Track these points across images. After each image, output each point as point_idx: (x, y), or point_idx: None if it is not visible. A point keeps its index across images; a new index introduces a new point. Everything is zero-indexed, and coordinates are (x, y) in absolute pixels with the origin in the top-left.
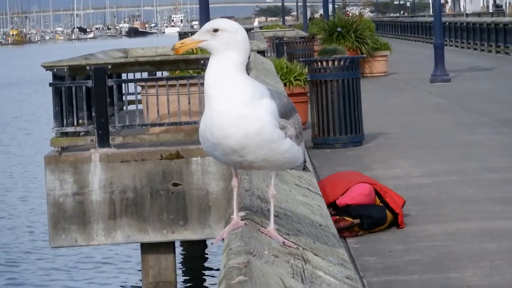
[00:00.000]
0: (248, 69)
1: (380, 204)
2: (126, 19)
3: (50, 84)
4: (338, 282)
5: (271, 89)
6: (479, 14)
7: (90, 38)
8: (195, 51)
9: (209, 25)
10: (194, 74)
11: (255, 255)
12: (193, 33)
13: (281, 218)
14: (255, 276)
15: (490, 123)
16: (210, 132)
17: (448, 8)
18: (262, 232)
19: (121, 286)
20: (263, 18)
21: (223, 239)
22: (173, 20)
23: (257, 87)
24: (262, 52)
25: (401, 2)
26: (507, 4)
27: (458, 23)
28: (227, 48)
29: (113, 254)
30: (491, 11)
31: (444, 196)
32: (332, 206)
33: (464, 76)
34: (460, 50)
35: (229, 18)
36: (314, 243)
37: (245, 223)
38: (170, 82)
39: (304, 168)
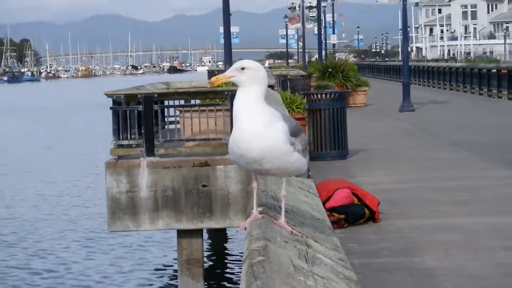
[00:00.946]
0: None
1: (359, 204)
2: (167, 60)
3: (111, 108)
4: (333, 263)
5: (284, 114)
6: (436, 60)
7: (140, 73)
8: (221, 85)
9: (238, 64)
10: (220, 102)
11: (270, 241)
12: (219, 71)
13: (289, 213)
14: (271, 257)
15: (446, 143)
16: (237, 146)
17: (413, 55)
18: (275, 223)
19: (162, 264)
20: (271, 60)
21: (245, 228)
22: (203, 61)
23: (273, 113)
24: (271, 86)
25: (377, 50)
26: (458, 53)
27: (421, 67)
28: (252, 83)
29: (156, 238)
30: (445, 58)
31: (410, 198)
32: (324, 206)
33: (425, 107)
34: (422, 87)
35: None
36: (314, 232)
37: (262, 216)
38: (201, 108)
39: (308, 176)
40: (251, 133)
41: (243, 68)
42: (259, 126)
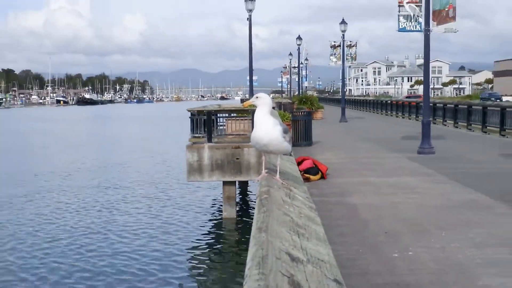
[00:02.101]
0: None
1: (316, 166)
2: (220, 93)
3: (189, 117)
4: (303, 199)
5: (280, 122)
6: (359, 96)
7: (205, 99)
8: (247, 106)
9: (256, 95)
10: (246, 115)
11: (271, 187)
12: (247, 99)
13: (281, 173)
14: (271, 195)
15: (364, 139)
16: (256, 138)
17: (347, 93)
18: (273, 179)
19: (214, 199)
20: (274, 94)
21: (258, 180)
22: (238, 94)
23: (275, 121)
24: (273, 108)
25: (329, 90)
26: (371, 92)
27: (351, 99)
28: (263, 105)
29: (211, 186)
30: (364, 95)
31: (344, 168)
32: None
33: (353, 120)
34: (352, 110)
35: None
36: (294, 183)
37: (267, 174)
38: (236, 118)
39: (291, 154)
40: (264, 132)
41: (257, 97)
42: (268, 128)
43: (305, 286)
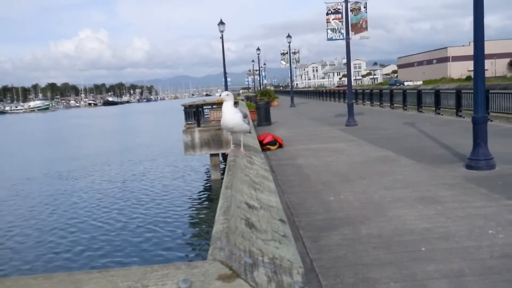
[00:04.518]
0: (238, 104)
1: (275, 140)
2: (205, 91)
3: (183, 110)
4: (261, 164)
5: (242, 110)
6: (303, 88)
7: (195, 97)
8: (218, 100)
9: (223, 93)
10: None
11: (237, 157)
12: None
13: (245, 146)
14: (236, 163)
15: (308, 118)
16: (224, 123)
17: (295, 85)
18: (239, 151)
19: (204, 167)
20: (243, 90)
21: (227, 152)
22: (218, 91)
23: (236, 110)
24: (242, 100)
25: (281, 85)
26: (312, 85)
27: (298, 90)
28: (228, 100)
29: (200, 159)
30: (306, 87)
31: (293, 139)
32: (261, 143)
33: (300, 105)
34: (299, 98)
35: (233, 91)
36: (254, 153)
37: (234, 147)
38: (217, 109)
39: (249, 132)
40: (229, 119)
41: (227, 94)
42: (231, 115)
43: (258, 225)
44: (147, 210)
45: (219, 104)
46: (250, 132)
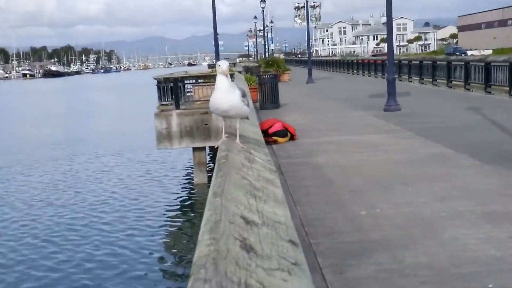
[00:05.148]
0: (234, 78)
1: (285, 129)
2: (187, 59)
3: (156, 85)
4: (263, 162)
5: (240, 87)
6: (325, 56)
7: (173, 67)
8: (213, 71)
9: (221, 62)
10: (213, 81)
11: (230, 151)
12: (213, 65)
13: (242, 137)
14: (230, 159)
15: (330, 99)
16: (216, 103)
17: (313, 54)
18: (233, 142)
19: (185, 165)
20: (241, 58)
21: (217, 145)
22: (205, 59)
23: (234, 86)
24: (239, 72)
25: (295, 51)
26: (337, 52)
27: (318, 60)
28: (221, 73)
29: (180, 153)
30: (330, 55)
31: (310, 128)
32: (266, 133)
33: (320, 81)
34: (319, 71)
35: (227, 59)
36: (255, 146)
37: (227, 138)
38: (203, 84)
39: (248, 118)
40: (224, 99)
41: (219, 65)
42: (228, 95)
43: (258, 248)
44: (105, 226)
45: (210, 78)
46: (248, 118)
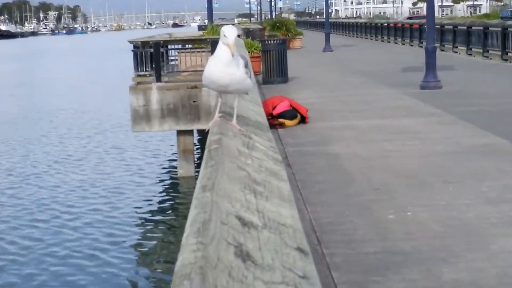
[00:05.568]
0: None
1: (294, 109)
2: (171, 19)
3: (132, 50)
4: (266, 149)
5: (241, 54)
6: (348, 18)
7: (153, 28)
8: (204, 34)
9: (222, 32)
10: (204, 46)
11: (224, 135)
12: (206, 26)
13: (239, 117)
14: (223, 145)
15: (352, 72)
16: (212, 76)
17: (332, 14)
18: (229, 123)
19: (167, 153)
20: (240, 18)
21: (209, 127)
22: (195, 19)
23: (238, 56)
24: (238, 36)
25: (309, 11)
26: (362, 13)
27: (337, 22)
28: (226, 44)
29: (163, 136)
30: (354, 16)
31: (325, 108)
32: (270, 114)
33: (340, 49)
34: (338, 36)
35: (222, 19)
36: (255, 130)
37: (221, 118)
38: (192, 50)
39: (247, 94)
40: (225, 73)
41: (224, 35)
42: (230, 69)
43: (257, 256)
44: (70, 223)
45: (201, 42)
46: (247, 94)
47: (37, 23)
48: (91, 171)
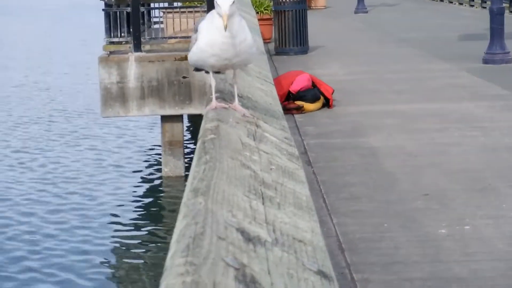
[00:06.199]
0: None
1: (316, 88)
2: None
3: (103, 10)
4: (279, 141)
5: (243, 14)
6: None
7: None
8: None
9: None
10: (198, 4)
11: (222, 121)
12: None
13: (244, 98)
14: (222, 134)
15: (394, 40)
16: (215, 48)
17: None
18: (229, 106)
19: (148, 145)
20: None
21: (205, 113)
22: None
23: (240, 17)
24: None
25: None
26: None
27: None
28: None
29: (144, 123)
30: None
31: (358, 88)
32: (288, 94)
33: (377, 9)
34: None
35: None
36: (265, 115)
37: (219, 100)
38: (182, 10)
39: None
40: (231, 44)
41: (218, 4)
42: (237, 39)
43: (265, 282)
44: (30, 237)
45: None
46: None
47: None
48: (48, 172)
